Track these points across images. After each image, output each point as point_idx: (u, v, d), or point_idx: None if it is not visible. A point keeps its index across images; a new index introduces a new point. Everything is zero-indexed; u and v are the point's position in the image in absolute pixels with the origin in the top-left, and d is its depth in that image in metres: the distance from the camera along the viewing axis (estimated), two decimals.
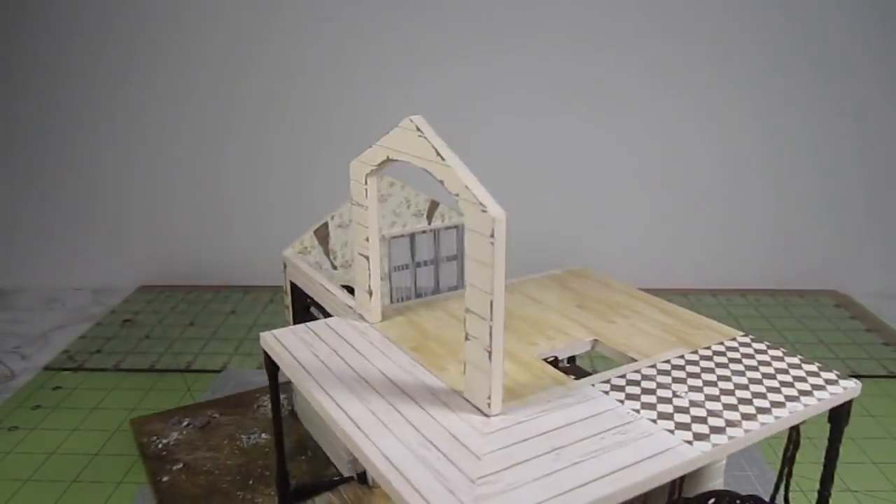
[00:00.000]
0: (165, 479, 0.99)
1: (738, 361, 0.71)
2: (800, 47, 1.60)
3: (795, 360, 0.72)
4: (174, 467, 1.02)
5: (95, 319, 1.57)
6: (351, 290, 1.07)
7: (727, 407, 0.63)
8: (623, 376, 0.69)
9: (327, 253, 1.09)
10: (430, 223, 1.08)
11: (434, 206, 1.07)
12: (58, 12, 1.64)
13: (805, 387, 0.67)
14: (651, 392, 0.66)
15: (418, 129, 0.69)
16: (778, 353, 0.73)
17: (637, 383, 0.67)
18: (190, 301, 1.68)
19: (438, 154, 0.66)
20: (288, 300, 1.08)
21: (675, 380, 0.68)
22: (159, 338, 1.47)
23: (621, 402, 0.64)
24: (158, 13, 1.63)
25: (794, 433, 0.75)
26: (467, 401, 0.66)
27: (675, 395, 0.65)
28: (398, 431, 0.62)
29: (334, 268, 1.10)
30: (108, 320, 1.57)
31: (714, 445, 0.58)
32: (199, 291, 1.73)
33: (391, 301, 1.04)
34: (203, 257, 1.78)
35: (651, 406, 0.63)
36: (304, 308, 1.04)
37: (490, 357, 0.61)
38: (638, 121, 1.67)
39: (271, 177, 1.73)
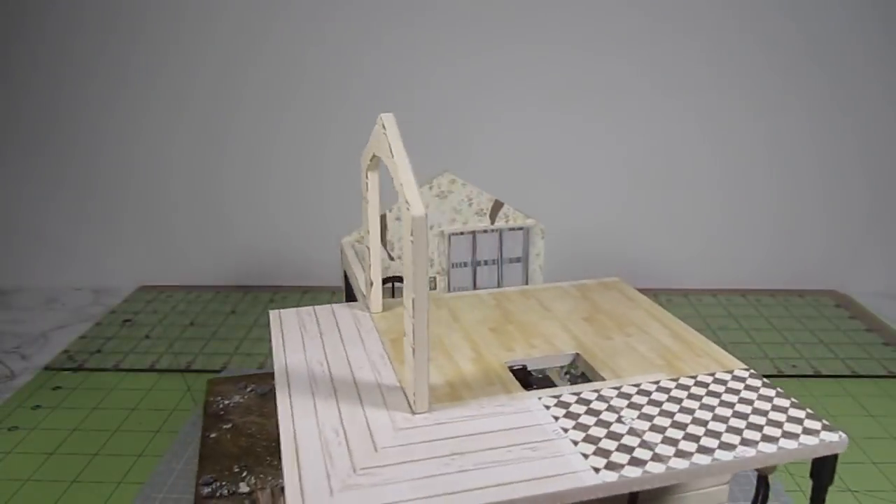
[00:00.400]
0: (213, 435, 1.05)
1: (716, 395, 0.66)
2: (801, 47, 1.60)
3: (784, 403, 0.65)
4: (224, 426, 1.07)
5: (95, 319, 1.57)
6: (401, 281, 1.11)
7: (667, 440, 0.59)
8: (577, 394, 0.66)
9: (384, 243, 1.10)
10: (492, 223, 1.07)
11: (498, 205, 1.06)
12: (57, 13, 1.64)
13: (773, 432, 0.61)
14: (595, 413, 0.63)
15: (383, 126, 0.70)
16: (770, 392, 0.67)
17: (587, 402, 0.65)
18: (190, 301, 1.68)
19: (391, 150, 0.67)
20: (343, 285, 1.12)
21: (632, 405, 0.64)
22: (159, 338, 1.47)
23: (556, 418, 0.62)
24: (157, 13, 1.63)
25: (763, 486, 0.70)
26: (405, 396, 0.67)
27: (619, 420, 0.62)
28: (322, 416, 0.64)
29: (391, 258, 1.11)
30: (108, 320, 1.57)
31: (621, 477, 0.55)
32: (199, 291, 1.73)
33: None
34: (203, 257, 1.78)
35: (583, 427, 0.61)
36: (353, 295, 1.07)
37: (413, 354, 0.62)
38: (638, 120, 1.67)
39: (271, 177, 1.73)
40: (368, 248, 0.84)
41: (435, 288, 1.11)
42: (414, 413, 0.64)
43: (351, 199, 1.73)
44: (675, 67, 1.63)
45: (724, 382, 0.68)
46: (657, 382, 0.68)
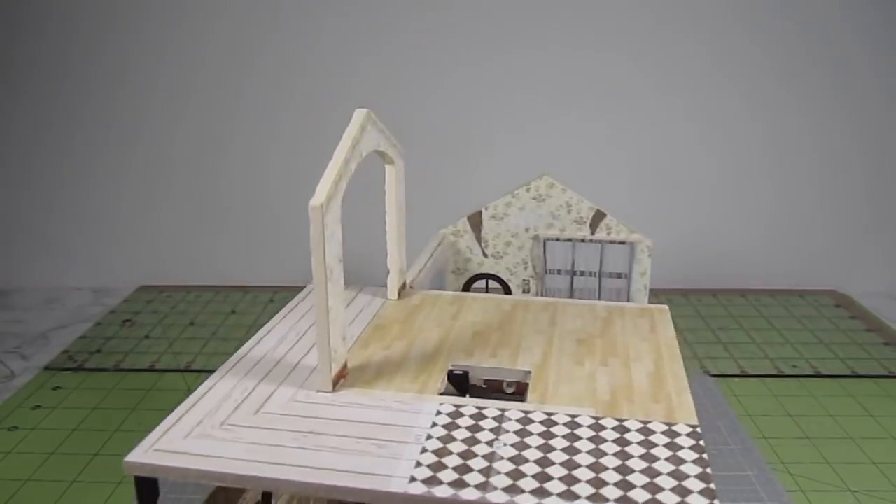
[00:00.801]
0: None
1: (623, 444, 0.60)
2: (801, 45, 1.60)
3: (692, 471, 0.57)
4: None
5: (95, 319, 1.57)
6: (498, 280, 1.11)
7: (513, 473, 0.56)
8: (481, 409, 0.65)
9: (479, 240, 1.10)
10: (593, 233, 1.04)
11: (600, 216, 1.04)
12: (57, 14, 1.64)
13: (638, 496, 0.54)
14: (476, 430, 0.61)
15: (350, 119, 0.73)
16: (690, 455, 0.58)
17: (481, 418, 0.63)
18: (190, 301, 1.68)
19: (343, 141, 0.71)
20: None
21: (521, 432, 0.61)
22: (159, 338, 1.47)
23: (434, 425, 0.62)
24: (156, 13, 1.63)
25: None
26: None
27: (493, 441, 0.60)
28: (246, 379, 0.71)
29: (485, 255, 1.10)
30: (108, 320, 1.57)
31: (427, 493, 0.54)
32: (199, 291, 1.73)
33: None
34: (203, 257, 1.78)
35: (449, 439, 0.60)
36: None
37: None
38: (636, 119, 1.67)
39: (271, 176, 1.73)
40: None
41: (528, 291, 1.10)
42: (318, 391, 0.68)
43: (352, 198, 1.73)
44: (675, 67, 1.63)
45: (647, 433, 0.61)
46: (574, 417, 0.64)
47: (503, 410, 0.64)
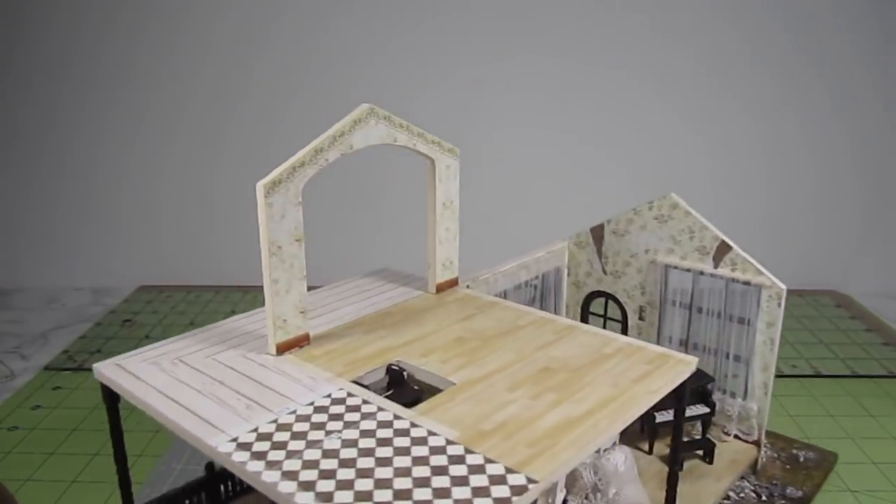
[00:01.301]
0: None
1: (442, 472, 0.57)
2: (798, 47, 1.61)
3: None
4: None
5: (95, 319, 1.57)
6: (616, 301, 1.04)
7: (307, 464, 0.57)
8: (366, 402, 0.66)
9: (599, 254, 1.04)
10: (716, 266, 0.93)
11: (724, 248, 0.93)
12: (58, 15, 1.64)
13: None
14: (336, 418, 0.63)
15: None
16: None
17: (354, 410, 0.64)
18: (190, 301, 1.68)
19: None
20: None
21: (368, 433, 0.61)
22: (159, 338, 1.47)
23: (311, 403, 0.66)
24: (157, 14, 1.63)
25: None
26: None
27: (331, 434, 0.61)
28: (228, 332, 0.81)
29: (604, 272, 1.03)
30: (108, 320, 1.57)
31: (227, 455, 0.58)
32: (198, 291, 1.73)
33: (658, 338, 0.99)
34: (203, 257, 1.78)
35: (304, 419, 0.63)
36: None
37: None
38: (635, 123, 1.67)
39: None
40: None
41: (644, 320, 1.01)
42: (266, 353, 0.75)
43: (348, 198, 1.73)
44: (672, 70, 1.63)
45: (476, 471, 0.57)
46: (430, 435, 0.61)
47: (379, 409, 0.65)
